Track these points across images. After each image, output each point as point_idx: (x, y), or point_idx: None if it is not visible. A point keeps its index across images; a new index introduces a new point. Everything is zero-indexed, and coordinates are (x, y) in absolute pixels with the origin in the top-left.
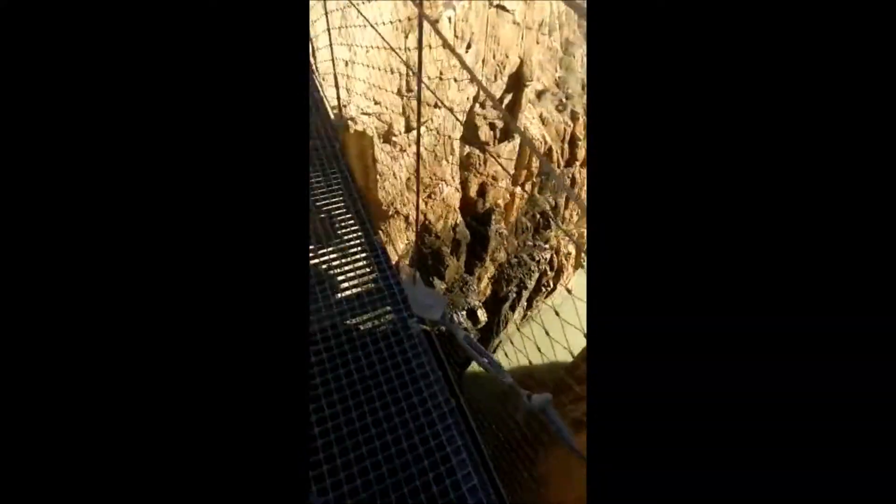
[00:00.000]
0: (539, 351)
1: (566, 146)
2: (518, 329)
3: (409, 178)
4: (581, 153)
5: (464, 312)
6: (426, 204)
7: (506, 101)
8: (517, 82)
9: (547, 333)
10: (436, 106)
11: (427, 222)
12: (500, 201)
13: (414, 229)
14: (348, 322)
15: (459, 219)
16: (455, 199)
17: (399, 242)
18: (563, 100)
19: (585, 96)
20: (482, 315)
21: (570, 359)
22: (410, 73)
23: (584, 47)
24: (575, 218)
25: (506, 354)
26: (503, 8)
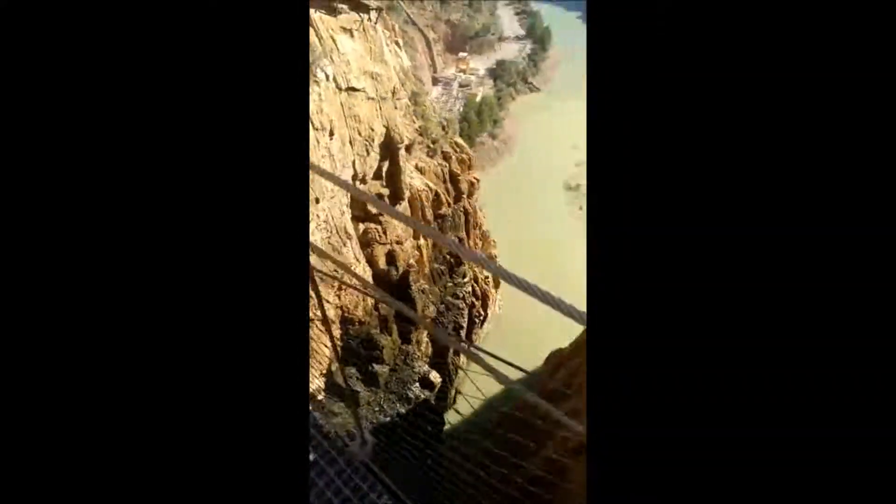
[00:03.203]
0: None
1: (449, 185)
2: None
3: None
4: (464, 186)
5: (417, 385)
6: (339, 297)
7: (384, 168)
8: (389, 148)
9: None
10: (316, 201)
11: (346, 313)
12: (412, 260)
13: (331, 330)
14: None
15: (379, 294)
16: (367, 276)
17: (319, 357)
18: (430, 144)
19: (452, 137)
20: (434, 377)
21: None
22: None
23: (433, 90)
24: (480, 244)
25: (470, 405)
26: (353, 89)
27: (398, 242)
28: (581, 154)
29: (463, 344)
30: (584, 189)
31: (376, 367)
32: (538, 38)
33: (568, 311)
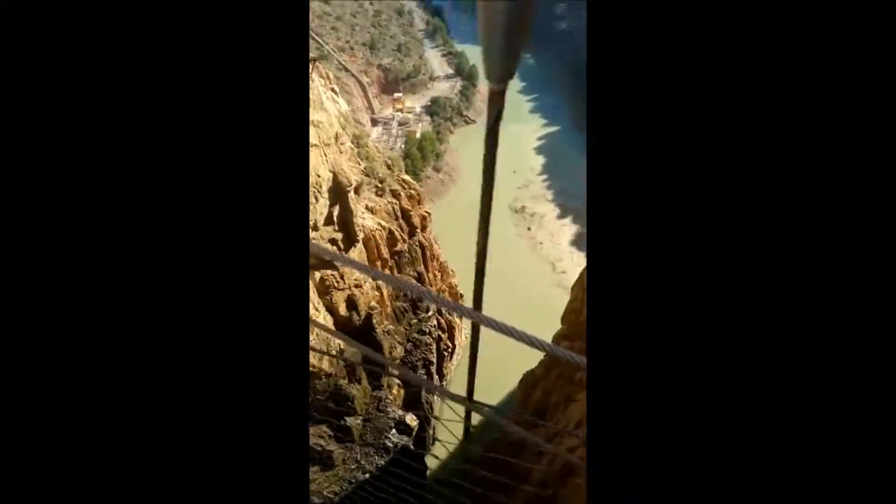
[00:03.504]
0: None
1: (402, 221)
2: (439, 419)
3: None
4: (416, 220)
5: (394, 432)
6: None
7: (335, 213)
8: (338, 192)
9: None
10: None
11: (311, 368)
12: (373, 302)
13: None
14: None
15: (342, 343)
16: (329, 325)
17: None
18: (378, 184)
19: (399, 175)
20: (411, 420)
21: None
22: None
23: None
24: (439, 276)
25: (445, 447)
26: None
27: (357, 286)
28: (521, 177)
29: (436, 385)
30: (529, 211)
31: (348, 420)
32: (466, 75)
33: (530, 341)
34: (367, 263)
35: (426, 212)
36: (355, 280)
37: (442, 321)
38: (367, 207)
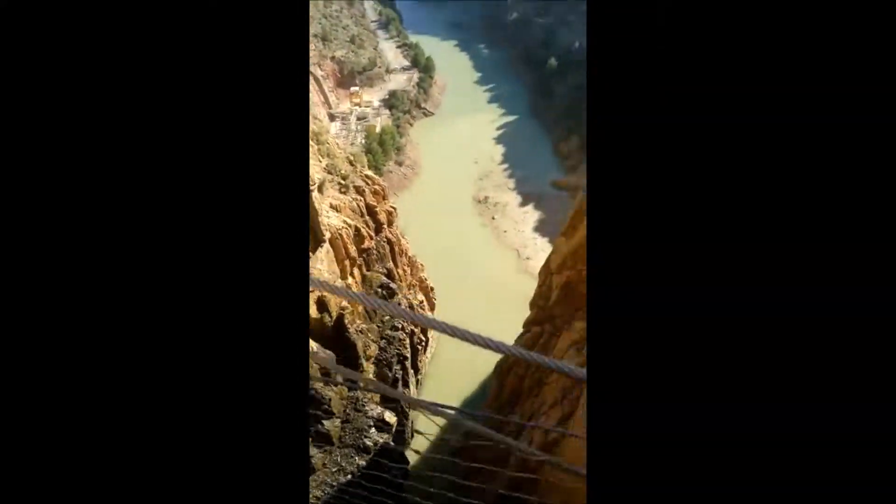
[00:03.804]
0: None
1: (368, 218)
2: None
3: None
4: (382, 216)
5: (373, 430)
6: None
7: None
8: None
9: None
10: None
11: None
12: (344, 302)
13: None
14: None
15: (314, 346)
16: None
17: None
18: (342, 181)
19: (362, 171)
20: (389, 417)
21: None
22: None
23: (332, 127)
24: (408, 270)
25: (426, 438)
26: None
27: None
28: (482, 167)
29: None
30: (492, 201)
31: (326, 423)
32: (423, 67)
33: (497, 347)
34: (335, 262)
35: (392, 207)
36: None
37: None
38: (331, 206)
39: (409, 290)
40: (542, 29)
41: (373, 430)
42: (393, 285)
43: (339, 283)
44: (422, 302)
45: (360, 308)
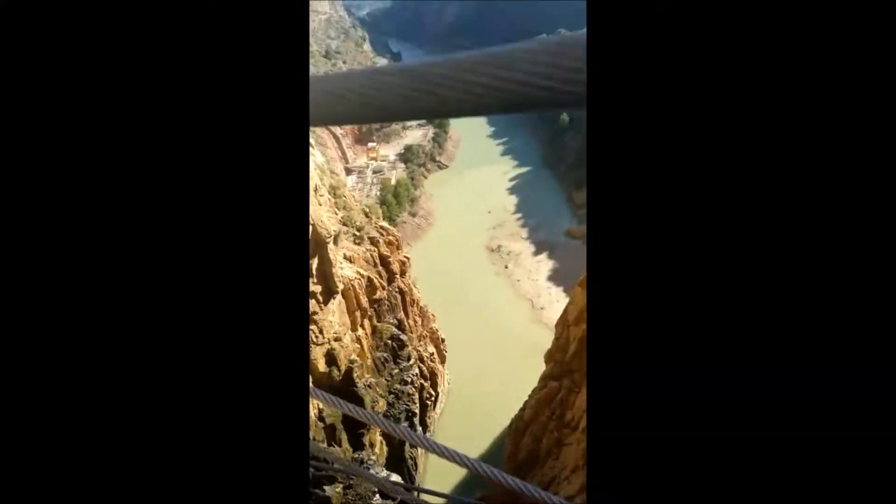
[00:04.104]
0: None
1: (381, 268)
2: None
3: None
4: (395, 266)
5: (377, 497)
6: None
7: (314, 265)
8: (317, 243)
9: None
10: None
11: None
12: (353, 355)
13: None
14: None
15: (319, 405)
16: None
17: None
18: (356, 232)
19: (377, 222)
20: (396, 480)
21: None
22: None
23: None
24: (419, 321)
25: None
26: None
27: (337, 339)
28: (496, 217)
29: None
30: (505, 250)
31: (327, 488)
32: (437, 122)
33: (487, 473)
34: (346, 314)
35: (405, 257)
36: (335, 333)
37: (424, 368)
38: (345, 256)
39: (419, 341)
40: None
41: (377, 497)
42: (403, 337)
43: (349, 336)
44: (432, 354)
45: (369, 361)
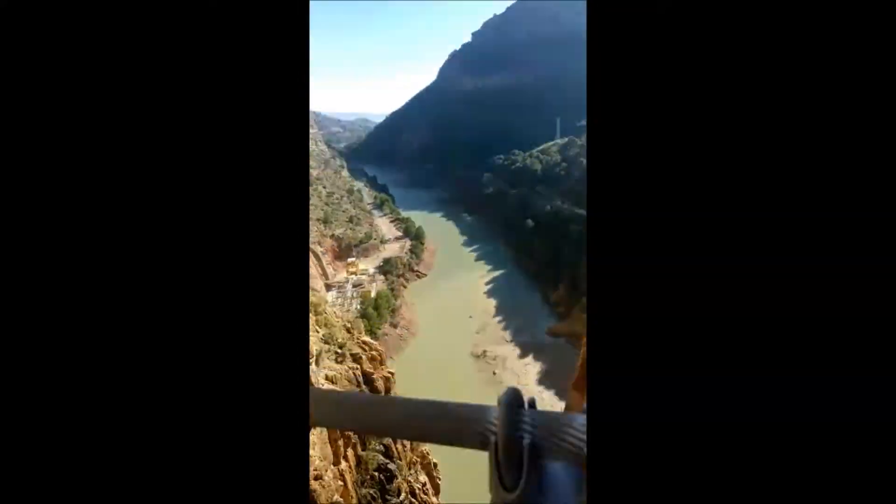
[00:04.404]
0: None
1: (365, 387)
2: None
3: None
4: (380, 384)
5: None
6: None
7: None
8: None
9: None
10: None
11: None
12: (337, 496)
13: None
14: None
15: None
16: None
17: None
18: (338, 349)
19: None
20: None
21: None
22: None
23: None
24: (408, 444)
25: None
26: None
27: (317, 477)
28: (478, 321)
29: None
30: (491, 355)
31: None
32: (414, 235)
33: None
34: (327, 444)
35: (389, 372)
36: (315, 471)
37: (416, 502)
38: (326, 377)
39: (409, 469)
40: (515, 198)
41: None
42: (392, 466)
43: (331, 472)
44: (424, 485)
45: (354, 500)
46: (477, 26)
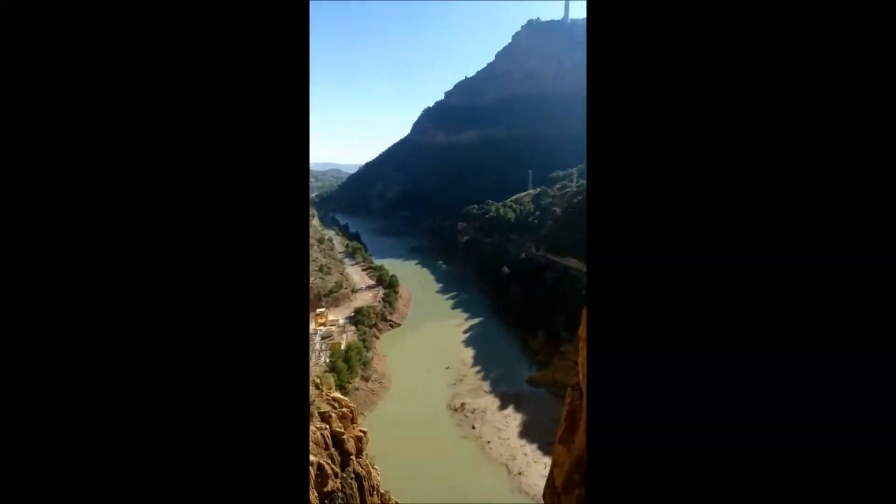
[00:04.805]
0: None
1: (334, 450)
2: None
3: None
4: (350, 445)
5: None
6: None
7: None
8: None
9: None
10: None
11: None
12: None
13: None
14: None
15: None
16: None
17: None
18: (315, 412)
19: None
20: None
21: None
22: None
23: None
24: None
25: None
26: None
27: None
28: (455, 372)
29: None
30: (469, 407)
31: None
32: (388, 283)
33: None
34: None
35: (361, 431)
36: None
37: None
38: None
39: None
40: (490, 246)
41: None
42: None
43: None
44: None
45: None
46: (449, 86)
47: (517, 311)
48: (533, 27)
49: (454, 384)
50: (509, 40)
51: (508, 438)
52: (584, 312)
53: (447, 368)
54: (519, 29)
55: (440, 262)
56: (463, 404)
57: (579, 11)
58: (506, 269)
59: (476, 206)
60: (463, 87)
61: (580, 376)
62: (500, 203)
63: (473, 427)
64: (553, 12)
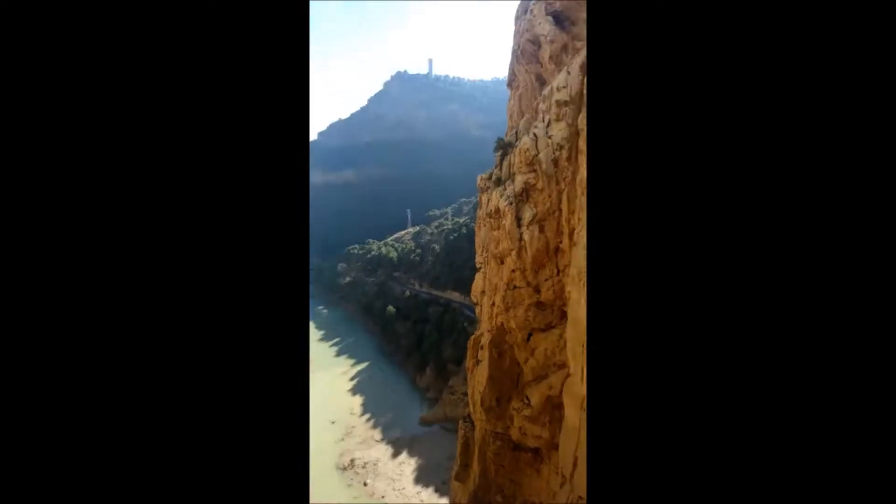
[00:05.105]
0: None
1: None
2: None
3: None
4: None
5: None
6: None
7: None
8: None
9: None
10: None
11: None
12: None
13: None
14: None
15: None
16: None
17: None
18: None
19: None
20: None
21: None
22: None
23: None
24: None
25: None
26: None
27: None
28: (342, 425)
29: None
30: (360, 462)
31: None
32: None
33: None
34: None
35: None
36: None
37: None
38: None
39: None
40: (374, 285)
41: None
42: None
43: None
44: None
45: None
46: (322, 127)
47: (406, 350)
48: (402, 78)
49: (342, 439)
50: (381, 87)
51: (404, 488)
52: (470, 342)
53: (333, 423)
54: (389, 78)
55: (320, 307)
56: (353, 460)
57: (442, 68)
58: (392, 308)
59: (357, 245)
60: (338, 128)
61: (469, 407)
62: (382, 242)
63: (365, 484)
64: (419, 66)
